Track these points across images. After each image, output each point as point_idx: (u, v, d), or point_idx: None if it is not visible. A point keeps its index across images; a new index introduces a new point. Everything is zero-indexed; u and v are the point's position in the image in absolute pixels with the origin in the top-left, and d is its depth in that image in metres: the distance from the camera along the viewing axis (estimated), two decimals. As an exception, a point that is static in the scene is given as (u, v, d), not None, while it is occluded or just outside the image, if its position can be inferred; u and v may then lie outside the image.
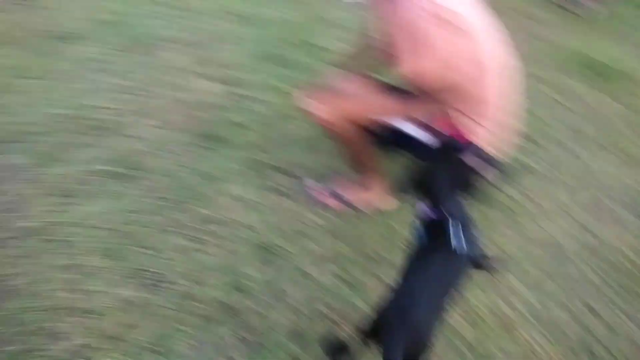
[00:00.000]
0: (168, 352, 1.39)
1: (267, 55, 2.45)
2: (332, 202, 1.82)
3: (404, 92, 1.46)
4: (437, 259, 1.26)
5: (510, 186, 1.92)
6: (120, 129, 2.01)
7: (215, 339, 1.43)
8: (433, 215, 1.35)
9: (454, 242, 1.26)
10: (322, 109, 1.51)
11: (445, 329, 1.41)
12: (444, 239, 1.27)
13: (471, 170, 1.47)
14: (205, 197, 1.80)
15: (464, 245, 1.25)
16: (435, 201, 1.35)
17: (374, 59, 1.62)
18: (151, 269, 1.57)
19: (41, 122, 2.00)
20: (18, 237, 1.62)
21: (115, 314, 1.45)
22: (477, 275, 1.47)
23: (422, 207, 1.39)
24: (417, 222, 1.40)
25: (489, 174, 1.50)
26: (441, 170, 1.40)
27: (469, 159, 1.46)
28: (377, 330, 1.17)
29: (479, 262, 1.33)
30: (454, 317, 1.50)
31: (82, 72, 2.26)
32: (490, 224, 1.79)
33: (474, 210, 1.40)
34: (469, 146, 1.47)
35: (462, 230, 1.28)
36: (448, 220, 1.29)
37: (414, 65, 1.28)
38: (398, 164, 1.72)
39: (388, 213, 1.80)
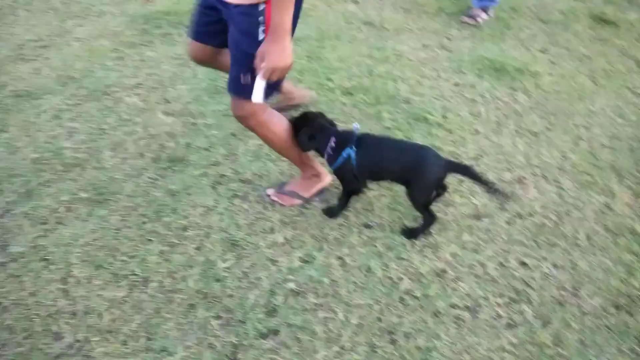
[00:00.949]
0: (155, 337, 1.58)
1: (217, 88, 2.75)
2: (288, 201, 2.08)
3: None
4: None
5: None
6: (96, 163, 2.24)
7: (200, 322, 1.63)
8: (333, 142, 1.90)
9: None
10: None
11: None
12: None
13: None
14: (177, 210, 2.03)
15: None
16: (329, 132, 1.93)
17: None
18: (138, 272, 1.77)
19: (20, 166, 2.20)
20: (13, 260, 1.80)
21: (111, 312, 1.64)
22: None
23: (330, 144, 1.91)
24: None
25: None
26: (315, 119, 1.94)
27: None
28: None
29: None
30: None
31: (57, 121, 2.49)
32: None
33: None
34: None
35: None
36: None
37: None
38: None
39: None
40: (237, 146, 2.37)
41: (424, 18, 3.65)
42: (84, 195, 2.07)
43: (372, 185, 2.15)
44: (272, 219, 2.01)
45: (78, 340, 1.56)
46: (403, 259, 1.88)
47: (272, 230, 1.97)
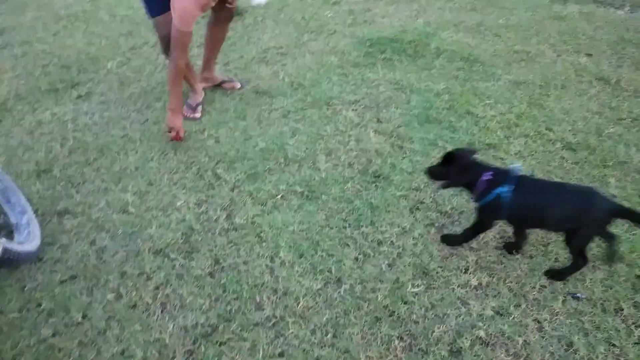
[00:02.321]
0: (341, 336, 1.65)
1: (428, 117, 2.79)
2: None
3: None
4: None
5: None
6: (312, 164, 2.46)
7: (384, 337, 1.65)
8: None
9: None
10: None
11: None
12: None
13: None
14: (375, 223, 2.10)
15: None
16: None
17: None
18: (333, 271, 1.88)
19: (250, 151, 2.54)
20: (235, 229, 2.07)
21: (306, 300, 1.77)
22: None
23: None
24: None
25: None
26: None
27: None
28: None
29: None
30: None
31: (285, 120, 2.82)
32: None
33: None
34: None
35: None
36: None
37: None
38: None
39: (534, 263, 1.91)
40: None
41: (673, 83, 3.18)
42: (298, 188, 2.28)
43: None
44: (468, 258, 1.94)
45: (275, 316, 1.72)
46: (614, 345, 1.64)
47: (466, 271, 1.90)
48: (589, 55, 3.53)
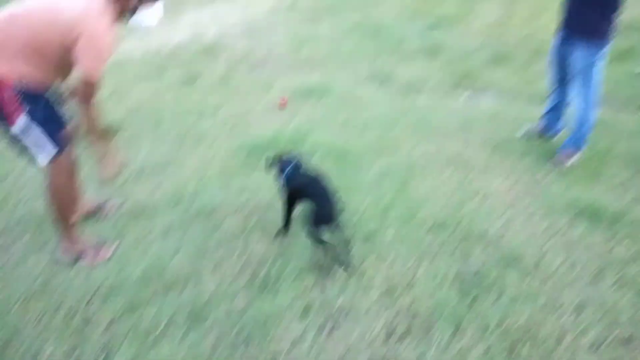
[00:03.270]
0: None
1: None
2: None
3: None
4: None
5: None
6: (196, 282, 2.38)
7: None
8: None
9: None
10: None
11: None
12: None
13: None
14: (267, 335, 2.08)
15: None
16: None
17: None
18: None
19: (127, 281, 2.41)
20: None
21: None
22: None
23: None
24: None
25: None
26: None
27: None
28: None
29: None
30: None
31: (164, 239, 2.74)
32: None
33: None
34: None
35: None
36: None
37: None
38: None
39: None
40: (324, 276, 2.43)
41: (512, 158, 3.72)
42: (182, 315, 2.19)
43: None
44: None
45: None
46: None
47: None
48: (442, 139, 4.02)
